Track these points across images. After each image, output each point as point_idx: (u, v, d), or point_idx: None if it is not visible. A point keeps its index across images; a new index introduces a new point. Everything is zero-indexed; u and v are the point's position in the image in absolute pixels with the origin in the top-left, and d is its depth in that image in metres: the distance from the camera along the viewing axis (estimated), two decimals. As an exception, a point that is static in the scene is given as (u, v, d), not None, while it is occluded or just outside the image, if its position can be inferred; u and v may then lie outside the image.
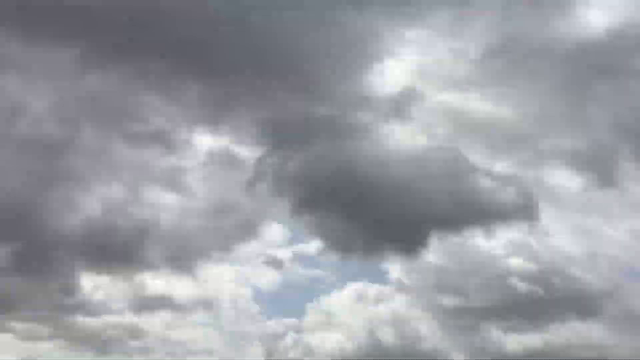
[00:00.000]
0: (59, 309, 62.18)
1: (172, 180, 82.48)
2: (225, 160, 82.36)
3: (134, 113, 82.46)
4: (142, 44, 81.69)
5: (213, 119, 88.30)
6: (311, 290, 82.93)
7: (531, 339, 64.87)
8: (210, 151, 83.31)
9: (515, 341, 64.73)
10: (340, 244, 74.60)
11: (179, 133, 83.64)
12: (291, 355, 66.77)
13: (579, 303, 65.49)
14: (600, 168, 72.39)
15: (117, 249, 70.19)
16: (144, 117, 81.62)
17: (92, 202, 76.33)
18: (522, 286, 63.13)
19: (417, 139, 78.55)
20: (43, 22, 73.58)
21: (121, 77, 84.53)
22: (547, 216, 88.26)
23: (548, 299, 63.22)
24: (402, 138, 78.69)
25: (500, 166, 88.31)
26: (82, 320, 71.76)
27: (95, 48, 79.67)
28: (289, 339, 69.80)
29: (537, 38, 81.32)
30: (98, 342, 62.77)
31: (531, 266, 68.54)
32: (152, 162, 79.75)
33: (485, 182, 71.15)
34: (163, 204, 76.66)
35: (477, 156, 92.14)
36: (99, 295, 67.74)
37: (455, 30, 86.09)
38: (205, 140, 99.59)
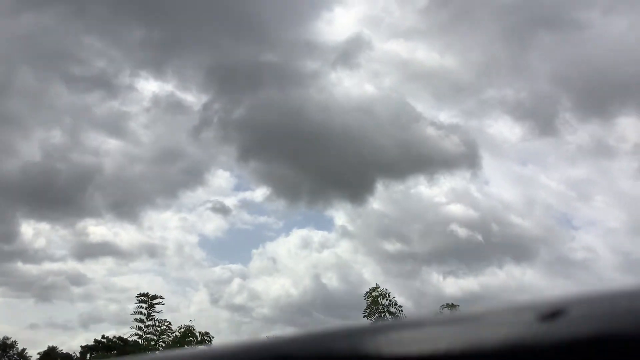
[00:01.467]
0: (-2, 255, 61.74)
1: (115, 126, 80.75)
2: (170, 106, 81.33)
3: (74, 55, 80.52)
4: None
5: (157, 64, 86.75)
6: (257, 237, 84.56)
7: (469, 283, 69.09)
8: (154, 97, 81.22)
9: (454, 284, 68.68)
10: (287, 190, 75.94)
11: (122, 77, 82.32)
12: (237, 300, 68.65)
13: (515, 248, 70.55)
14: (540, 118, 75.87)
15: (59, 196, 68.14)
16: (85, 60, 79.84)
17: (32, 147, 72.74)
18: (462, 232, 66.86)
19: (364, 87, 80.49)
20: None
21: (59, 17, 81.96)
22: (488, 164, 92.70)
23: (486, 245, 67.55)
24: (349, 86, 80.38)
25: (445, 115, 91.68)
26: (23, 267, 70.68)
27: None
28: (235, 285, 71.35)
29: None
30: (39, 288, 62.89)
31: (471, 213, 72.55)
32: (93, 106, 78.18)
33: (430, 131, 73.60)
34: (106, 150, 74.65)
35: (422, 105, 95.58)
36: (40, 242, 68.40)
37: None
38: (149, 86, 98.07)
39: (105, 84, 76.64)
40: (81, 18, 77.39)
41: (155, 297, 31.27)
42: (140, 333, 30.11)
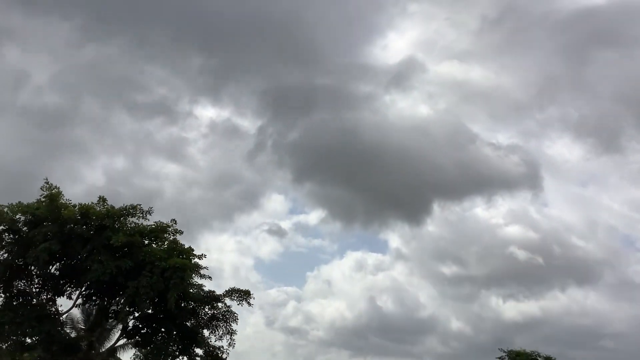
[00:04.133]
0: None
1: (175, 151, 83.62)
2: (226, 131, 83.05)
3: (136, 83, 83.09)
4: (143, 14, 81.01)
5: (215, 90, 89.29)
6: (312, 260, 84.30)
7: (529, 307, 66.07)
8: (212, 122, 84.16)
9: (513, 308, 65.85)
10: (341, 213, 75.38)
11: (182, 104, 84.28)
12: (292, 323, 68.01)
13: (577, 271, 66.76)
14: (601, 136, 72.54)
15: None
16: (147, 87, 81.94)
17: (95, 172, 78.66)
18: (521, 254, 63.90)
19: (418, 109, 79.11)
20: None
21: (122, 47, 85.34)
22: (547, 185, 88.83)
23: (547, 267, 64.23)
24: (403, 107, 79.21)
25: (503, 136, 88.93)
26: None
27: (95, 18, 79.75)
28: (290, 307, 71.11)
29: (534, 8, 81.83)
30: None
31: (531, 235, 69.30)
32: (154, 132, 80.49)
33: (487, 152, 71.42)
34: (165, 174, 77.53)
35: (479, 126, 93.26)
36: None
37: (455, 3, 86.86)
38: (207, 112, 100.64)
39: (166, 111, 78.13)
40: (143, 48, 79.87)
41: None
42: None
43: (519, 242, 65.59)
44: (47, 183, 26.39)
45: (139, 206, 26.85)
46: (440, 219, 72.62)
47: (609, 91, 74.50)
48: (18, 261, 26.37)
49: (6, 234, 26.55)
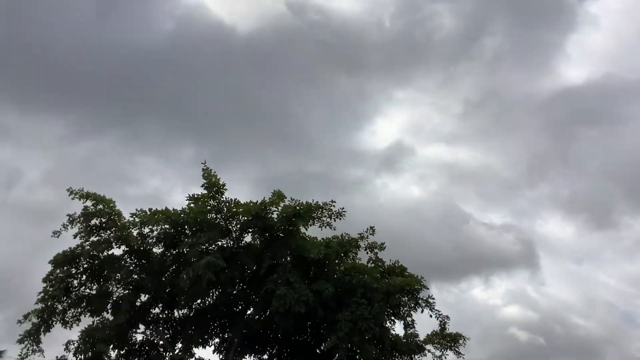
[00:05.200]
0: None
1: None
2: None
3: (129, 176, 77.91)
4: (136, 108, 78.02)
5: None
6: None
7: None
8: None
9: None
10: None
11: (175, 195, 79.03)
12: None
13: (579, 350, 63.07)
14: (593, 213, 71.43)
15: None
16: (139, 180, 76.69)
17: None
18: (522, 335, 60.05)
19: (409, 191, 77.06)
20: (37, 92, 70.23)
21: (115, 141, 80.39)
22: (544, 263, 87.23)
23: (549, 347, 60.43)
24: (394, 190, 76.93)
25: (495, 215, 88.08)
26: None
27: (88, 113, 75.65)
28: None
29: (515, 90, 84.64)
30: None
31: (530, 314, 66.04)
32: None
33: (482, 231, 69.01)
34: None
35: (471, 206, 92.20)
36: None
37: (440, 89, 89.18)
38: None
39: (159, 202, 73.83)
40: (135, 141, 76.57)
41: None
42: None
43: (519, 322, 62.76)
44: (206, 167, 17.63)
45: (328, 204, 18.04)
46: (438, 301, 67.78)
47: (595, 167, 75.79)
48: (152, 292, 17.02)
49: (130, 258, 17.48)
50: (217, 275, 16.16)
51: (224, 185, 17.44)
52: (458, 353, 19.62)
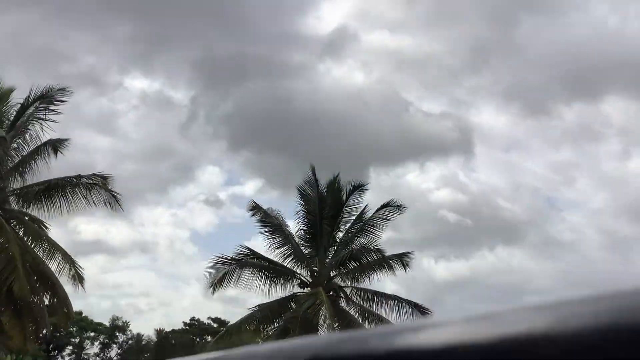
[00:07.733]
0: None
1: (105, 124, 75.95)
2: (159, 103, 78.10)
3: (62, 52, 75.55)
4: None
5: (145, 60, 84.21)
6: (248, 231, 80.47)
7: (459, 266, 68.10)
8: (143, 94, 78.31)
9: (445, 269, 67.46)
10: (279, 181, 72.49)
11: (111, 75, 78.84)
12: (229, 293, 65.24)
13: (504, 232, 70.01)
14: (528, 100, 75.78)
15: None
16: (73, 56, 74.49)
17: None
18: (451, 217, 65.50)
19: (353, 77, 78.32)
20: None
21: (45, 14, 76.72)
22: (477, 151, 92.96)
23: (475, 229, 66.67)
24: (337, 76, 78.05)
25: (435, 103, 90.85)
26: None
27: None
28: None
29: None
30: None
31: (460, 197, 71.60)
32: (82, 104, 72.76)
33: (421, 119, 72.13)
34: (95, 148, 70.44)
35: (412, 94, 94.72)
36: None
37: None
38: (138, 83, 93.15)
39: (94, 82, 73.39)
40: (67, 14, 73.46)
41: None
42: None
43: (449, 205, 68.55)
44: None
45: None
46: (374, 185, 73.01)
47: (536, 55, 78.49)
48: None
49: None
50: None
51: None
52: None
